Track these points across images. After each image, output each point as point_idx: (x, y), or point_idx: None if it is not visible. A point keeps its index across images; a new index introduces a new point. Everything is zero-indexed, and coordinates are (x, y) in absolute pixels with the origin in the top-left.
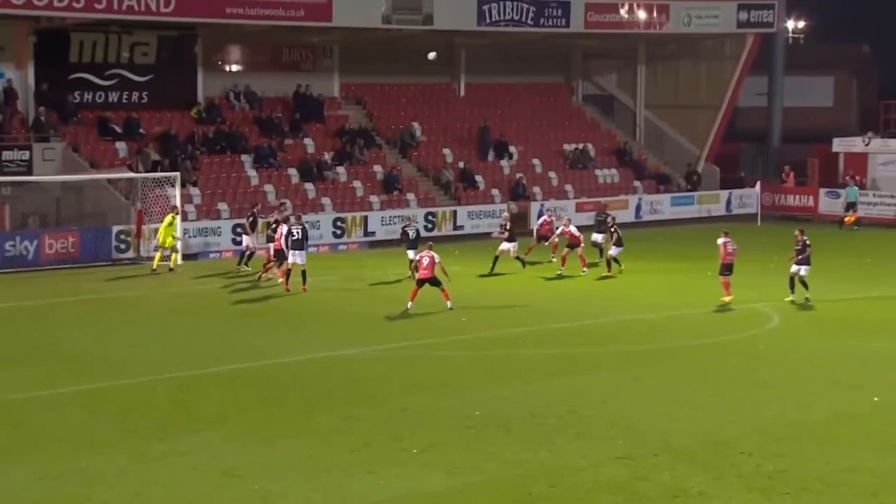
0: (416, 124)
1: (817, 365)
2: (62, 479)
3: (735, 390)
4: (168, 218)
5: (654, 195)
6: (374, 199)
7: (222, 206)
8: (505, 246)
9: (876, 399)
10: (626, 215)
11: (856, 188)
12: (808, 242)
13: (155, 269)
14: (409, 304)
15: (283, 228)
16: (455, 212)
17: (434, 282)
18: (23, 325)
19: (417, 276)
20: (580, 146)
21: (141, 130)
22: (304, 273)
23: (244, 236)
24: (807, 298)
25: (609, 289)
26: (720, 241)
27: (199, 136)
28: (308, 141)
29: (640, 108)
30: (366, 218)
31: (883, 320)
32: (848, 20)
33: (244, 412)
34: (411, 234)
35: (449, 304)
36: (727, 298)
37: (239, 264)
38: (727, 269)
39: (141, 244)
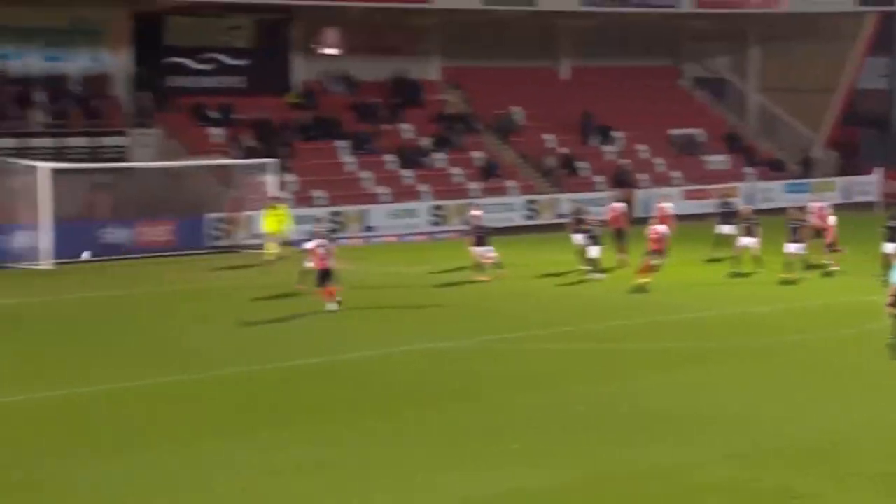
0: (517, 109)
1: None
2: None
3: (853, 387)
4: (272, 209)
5: (767, 182)
6: (473, 186)
7: (318, 194)
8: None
9: None
10: (737, 203)
11: None
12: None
13: (268, 259)
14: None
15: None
16: (556, 200)
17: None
18: (122, 315)
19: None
20: (688, 131)
21: (237, 116)
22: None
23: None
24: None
25: (715, 281)
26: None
27: (296, 122)
28: (406, 126)
29: (752, 92)
30: (464, 206)
31: None
32: None
33: (336, 406)
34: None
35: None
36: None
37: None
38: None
39: (236, 232)
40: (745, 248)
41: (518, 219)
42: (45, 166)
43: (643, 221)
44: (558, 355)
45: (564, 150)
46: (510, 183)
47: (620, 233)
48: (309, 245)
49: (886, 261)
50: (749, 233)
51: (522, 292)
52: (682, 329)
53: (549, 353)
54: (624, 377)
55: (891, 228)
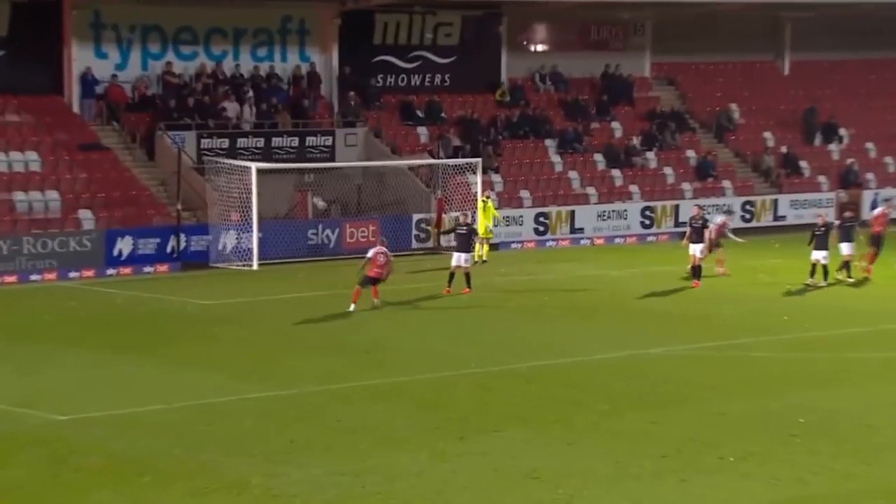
0: (733, 106)
1: None
2: (363, 476)
3: None
4: (481, 204)
5: None
6: (686, 186)
7: (524, 195)
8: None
9: None
10: None
11: None
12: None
13: (482, 260)
14: (353, 305)
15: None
16: (776, 200)
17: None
18: (323, 316)
19: (367, 273)
20: None
21: (443, 114)
22: (467, 276)
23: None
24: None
25: None
26: None
27: (502, 120)
28: (615, 124)
29: None
30: (677, 207)
31: None
32: None
33: (545, 412)
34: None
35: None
36: None
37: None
38: None
39: (441, 234)
40: None
41: (734, 221)
42: (254, 166)
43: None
44: (775, 363)
45: (784, 149)
46: (726, 183)
47: (877, 238)
48: (370, 253)
49: None
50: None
51: (737, 297)
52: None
53: (765, 361)
54: (851, 387)
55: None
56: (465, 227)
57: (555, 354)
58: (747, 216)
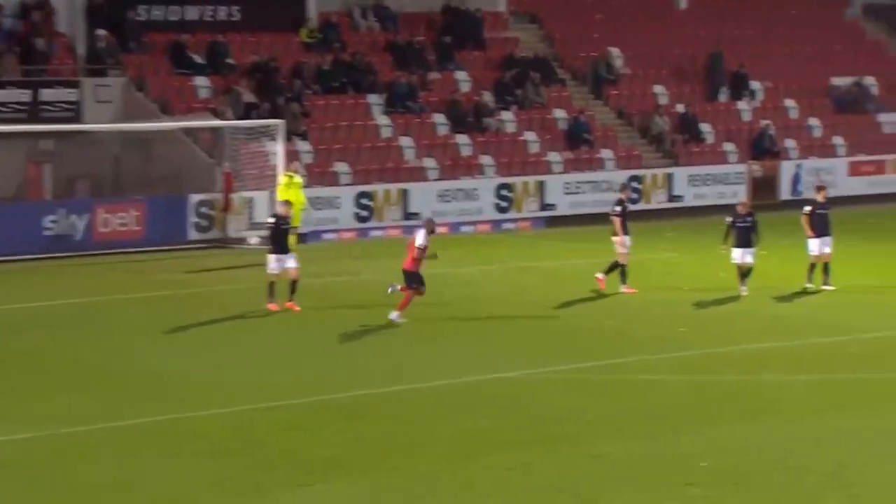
0: (615, 51)
1: None
2: None
3: None
4: (284, 181)
5: None
6: (553, 157)
7: (341, 168)
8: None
9: None
10: None
11: None
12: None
13: None
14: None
15: None
16: (671, 175)
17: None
18: (71, 334)
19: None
20: (856, 80)
21: (230, 61)
22: (293, 285)
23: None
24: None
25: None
26: None
27: (311, 69)
28: (461, 75)
29: None
30: (542, 184)
31: None
32: None
33: (372, 457)
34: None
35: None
36: None
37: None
38: None
39: (230, 220)
40: None
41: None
42: None
43: (791, 205)
44: (669, 389)
45: (681, 108)
46: (605, 153)
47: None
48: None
49: None
50: None
51: (621, 302)
52: (845, 355)
53: (656, 385)
54: (768, 420)
55: None
56: (276, 220)
57: (387, 381)
58: (633, 195)
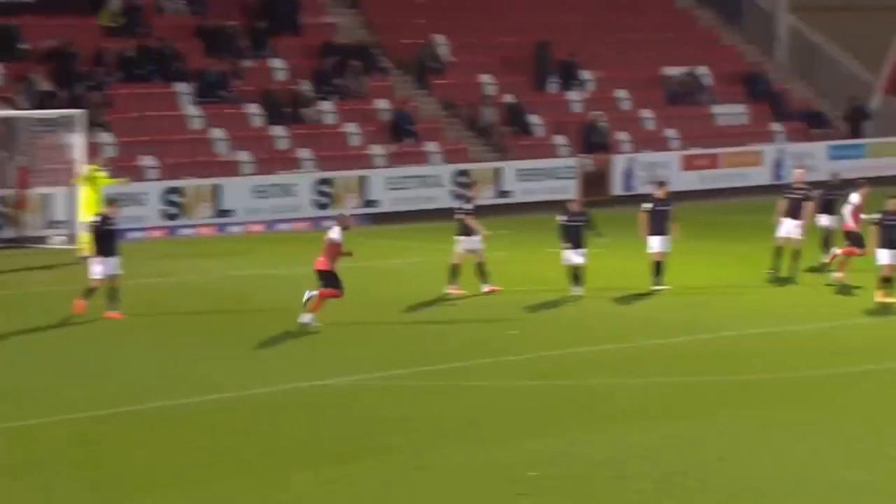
0: (440, 38)
1: None
2: None
3: None
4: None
5: (803, 144)
6: (376, 149)
7: (148, 162)
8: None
9: None
10: (759, 174)
11: None
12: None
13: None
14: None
15: None
16: (499, 170)
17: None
18: None
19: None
20: (689, 71)
21: (23, 46)
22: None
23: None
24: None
25: (732, 290)
26: None
27: (113, 55)
28: (277, 63)
29: (782, 13)
30: (364, 179)
31: None
32: None
33: (176, 473)
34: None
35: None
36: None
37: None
38: None
39: (25, 218)
40: (788, 238)
41: (443, 197)
42: None
43: (624, 201)
44: (498, 394)
45: (509, 98)
46: (430, 146)
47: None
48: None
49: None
50: (796, 213)
51: (451, 305)
52: (679, 356)
53: (485, 391)
54: (599, 426)
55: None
56: (101, 219)
57: (196, 389)
58: (459, 191)
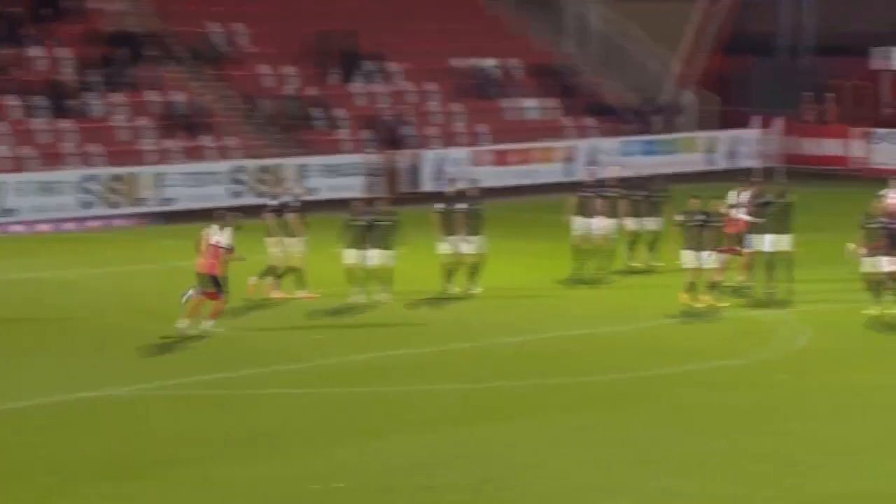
0: (226, 27)
1: (872, 405)
2: None
3: (746, 447)
4: None
5: (609, 138)
6: (152, 146)
7: None
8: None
9: None
10: (555, 170)
11: None
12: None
13: None
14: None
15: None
16: (302, 166)
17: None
18: None
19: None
20: (492, 63)
21: None
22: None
23: None
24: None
25: (546, 290)
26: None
27: None
28: (38, 51)
29: (580, 2)
30: (138, 176)
31: None
32: None
33: None
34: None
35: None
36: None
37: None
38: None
39: None
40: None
41: (225, 195)
42: None
43: (423, 199)
44: (293, 403)
45: (302, 91)
46: (217, 141)
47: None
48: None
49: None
50: (589, 211)
51: (261, 311)
52: (490, 360)
53: (296, 400)
54: (407, 433)
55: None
56: None
57: None
58: (237, 188)
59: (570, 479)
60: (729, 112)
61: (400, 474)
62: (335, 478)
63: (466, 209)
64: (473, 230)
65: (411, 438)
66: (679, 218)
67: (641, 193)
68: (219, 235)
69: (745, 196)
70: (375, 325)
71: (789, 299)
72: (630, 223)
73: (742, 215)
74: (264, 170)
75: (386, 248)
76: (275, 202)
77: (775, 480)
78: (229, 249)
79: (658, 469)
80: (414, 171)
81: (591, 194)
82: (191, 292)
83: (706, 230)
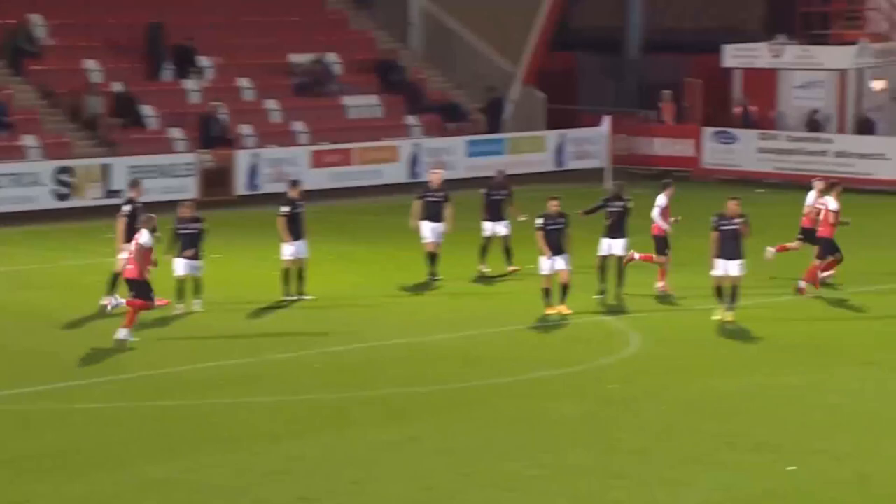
0: (36, 18)
1: (703, 415)
2: None
3: (576, 459)
4: None
5: (440, 138)
6: None
7: None
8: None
9: (792, 468)
10: (395, 170)
11: None
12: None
13: None
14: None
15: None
16: (108, 166)
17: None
18: None
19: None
20: (317, 58)
21: None
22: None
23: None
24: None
25: (371, 298)
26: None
27: None
28: None
29: None
30: None
31: (811, 338)
32: None
33: None
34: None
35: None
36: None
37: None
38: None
39: None
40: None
41: (45, 198)
42: None
43: (249, 201)
44: (119, 418)
45: (119, 87)
46: (28, 139)
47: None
48: None
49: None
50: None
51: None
52: (311, 371)
53: (101, 415)
54: (220, 448)
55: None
56: None
57: None
58: (63, 190)
59: (390, 495)
60: (556, 110)
61: (212, 493)
62: (143, 498)
63: (300, 212)
64: (304, 233)
65: (225, 455)
66: (538, 222)
67: (501, 194)
68: (144, 238)
69: (662, 199)
70: (188, 334)
71: (622, 305)
72: (486, 227)
73: (658, 218)
74: (64, 170)
75: (194, 257)
76: (128, 208)
77: (600, 494)
78: (149, 250)
79: (481, 482)
80: (253, 172)
81: (438, 199)
82: (121, 301)
83: (563, 234)
